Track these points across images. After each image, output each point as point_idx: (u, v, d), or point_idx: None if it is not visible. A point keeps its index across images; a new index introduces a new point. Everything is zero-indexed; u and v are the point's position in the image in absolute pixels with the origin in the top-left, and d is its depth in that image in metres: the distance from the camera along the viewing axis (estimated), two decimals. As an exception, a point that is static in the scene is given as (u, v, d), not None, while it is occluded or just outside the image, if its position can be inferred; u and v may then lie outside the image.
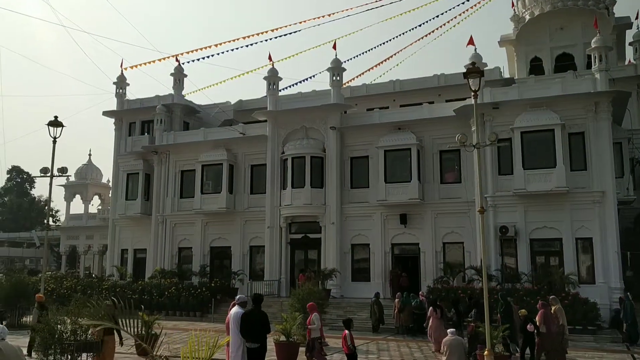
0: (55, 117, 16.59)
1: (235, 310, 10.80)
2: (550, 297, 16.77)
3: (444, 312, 18.07)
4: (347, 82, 32.14)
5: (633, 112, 29.58)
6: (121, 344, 12.21)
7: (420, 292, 22.09)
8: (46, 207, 72.26)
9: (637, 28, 33.22)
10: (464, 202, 26.67)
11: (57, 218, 72.14)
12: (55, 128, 16.45)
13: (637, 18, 33.00)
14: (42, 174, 16.38)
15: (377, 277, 28.07)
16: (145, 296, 27.66)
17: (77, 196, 43.50)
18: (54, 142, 16.31)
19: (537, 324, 14.70)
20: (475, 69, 12.45)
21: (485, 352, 11.21)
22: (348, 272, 28.67)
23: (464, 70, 30.02)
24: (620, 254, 23.52)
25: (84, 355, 10.15)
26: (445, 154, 28.09)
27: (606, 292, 22.70)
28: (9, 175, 76.89)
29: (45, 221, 17.48)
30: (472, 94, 12.83)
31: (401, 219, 27.92)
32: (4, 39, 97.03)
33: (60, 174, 16.60)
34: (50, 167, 16.31)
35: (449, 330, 15.18)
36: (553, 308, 15.87)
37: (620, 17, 31.23)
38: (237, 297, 11.14)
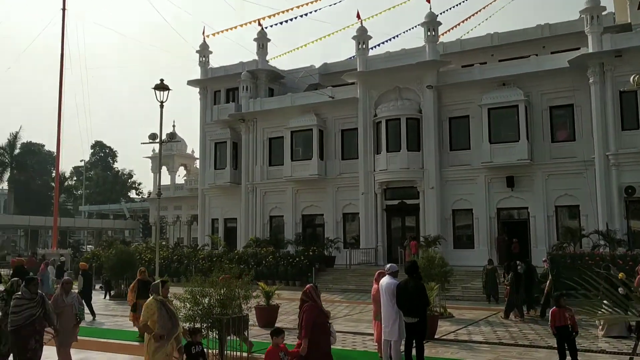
0: (161, 80, 15.89)
1: (387, 280, 9.66)
2: None
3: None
4: (440, 36, 29.97)
5: None
6: None
7: (543, 259, 20.31)
8: (130, 179, 74.42)
9: None
10: (580, 161, 24.56)
11: (140, 190, 74.19)
12: (162, 92, 15.76)
13: None
14: (150, 141, 15.75)
15: (481, 244, 26.55)
16: (242, 265, 27.21)
17: (164, 167, 43.85)
18: (161, 106, 15.65)
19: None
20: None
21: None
22: (450, 239, 27.20)
23: (572, 19, 27.97)
24: None
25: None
26: (557, 110, 25.88)
27: None
28: (92, 150, 79.55)
29: (158, 191, 16.93)
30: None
31: (508, 182, 26.11)
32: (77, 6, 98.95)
33: (169, 139, 15.91)
34: (159, 133, 15.61)
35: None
36: None
37: None
38: (388, 265, 9.99)
